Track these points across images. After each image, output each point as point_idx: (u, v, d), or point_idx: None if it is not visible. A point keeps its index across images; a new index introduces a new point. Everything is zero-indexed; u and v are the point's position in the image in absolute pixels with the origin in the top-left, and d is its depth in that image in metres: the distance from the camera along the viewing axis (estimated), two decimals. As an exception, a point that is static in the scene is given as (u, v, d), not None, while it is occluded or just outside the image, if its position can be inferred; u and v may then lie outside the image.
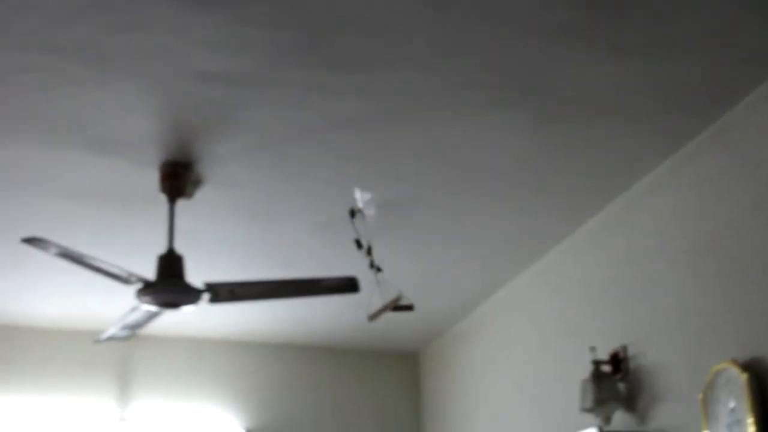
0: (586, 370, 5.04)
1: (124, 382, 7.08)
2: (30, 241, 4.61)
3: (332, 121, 4.49)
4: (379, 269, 4.98)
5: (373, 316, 5.09)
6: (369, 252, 4.84)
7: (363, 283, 4.95)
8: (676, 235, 4.75)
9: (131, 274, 4.72)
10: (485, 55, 3.97)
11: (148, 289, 4.81)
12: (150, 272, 4.85)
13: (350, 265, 5.47)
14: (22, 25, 3.80)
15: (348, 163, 4.91)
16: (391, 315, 6.66)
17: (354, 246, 4.86)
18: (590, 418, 5.01)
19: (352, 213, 4.85)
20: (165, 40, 3.89)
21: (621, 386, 5.00)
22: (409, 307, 5.15)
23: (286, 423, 7.32)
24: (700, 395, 4.34)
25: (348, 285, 4.98)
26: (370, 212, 4.81)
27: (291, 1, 3.65)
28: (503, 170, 4.96)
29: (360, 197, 4.75)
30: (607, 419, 4.97)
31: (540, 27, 3.75)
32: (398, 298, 5.04)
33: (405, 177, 5.03)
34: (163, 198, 4.93)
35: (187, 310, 4.99)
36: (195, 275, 4.91)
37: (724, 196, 4.42)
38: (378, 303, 5.04)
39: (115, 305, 5.55)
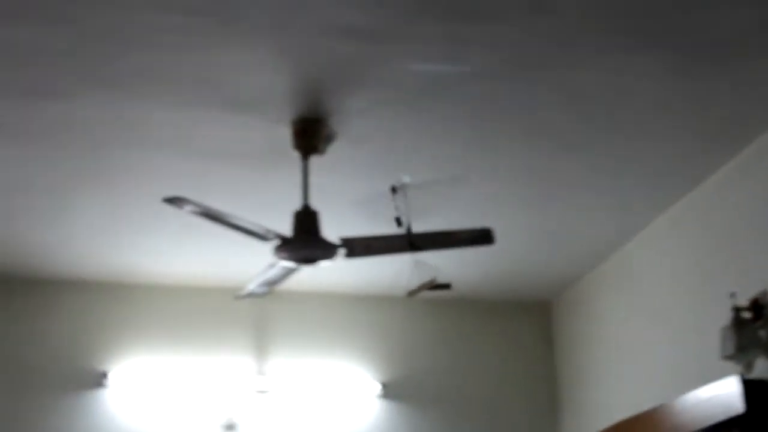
0: (726, 317, 5.01)
1: (261, 337, 7.17)
2: (171, 200, 4.71)
3: (467, 73, 4.50)
4: (417, 248, 5.09)
5: (412, 293, 5.36)
6: (409, 231, 4.88)
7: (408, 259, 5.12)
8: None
9: (268, 231, 4.80)
10: None
11: (285, 246, 4.88)
12: (286, 229, 4.92)
13: (480, 219, 5.53)
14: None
15: (484, 115, 4.91)
16: (523, 265, 6.73)
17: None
18: (731, 366, 5.00)
19: (393, 189, 5.01)
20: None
21: (763, 333, 4.97)
22: (446, 286, 5.32)
23: (419, 376, 7.34)
24: None
25: (483, 236, 5.01)
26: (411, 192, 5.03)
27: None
28: (640, 116, 4.93)
29: (403, 180, 4.95)
30: (749, 366, 4.94)
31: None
32: (434, 279, 5.23)
33: (542, 127, 5.02)
34: (296, 154, 4.99)
35: (323, 265, 5.05)
36: (330, 230, 4.98)
37: None
38: (416, 280, 5.26)
39: (253, 262, 5.61)
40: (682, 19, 4.12)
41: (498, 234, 5.08)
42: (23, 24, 4.09)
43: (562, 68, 4.49)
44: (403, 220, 4.85)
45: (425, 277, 5.19)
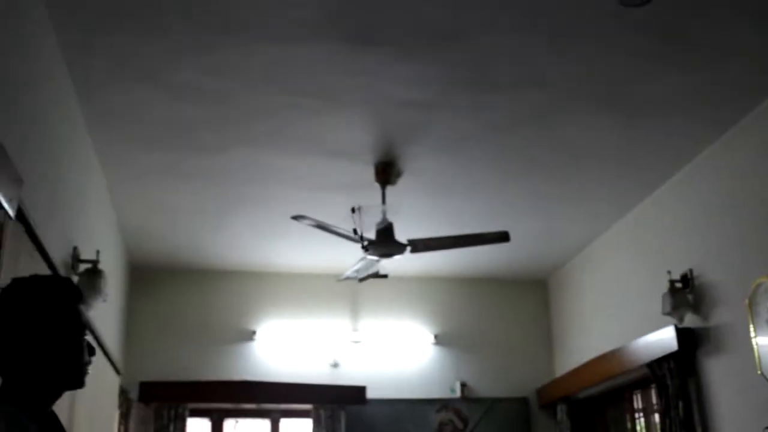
0: (664, 286, 5.04)
1: (354, 306, 7.23)
2: (295, 217, 4.79)
3: (488, 127, 4.52)
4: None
5: (362, 279, 5.52)
6: (362, 238, 4.82)
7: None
8: (726, 193, 4.70)
9: (359, 236, 4.88)
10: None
11: (371, 246, 4.93)
12: (371, 234, 4.98)
13: (499, 224, 5.54)
14: (285, 77, 3.98)
15: (502, 156, 4.91)
16: (526, 254, 6.70)
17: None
18: (669, 319, 5.01)
19: (353, 210, 4.95)
20: (376, 81, 4.01)
21: (690, 297, 4.96)
22: (384, 276, 5.49)
23: (459, 329, 7.34)
24: (746, 301, 4.31)
25: (502, 237, 5.01)
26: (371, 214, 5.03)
27: (456, 50, 3.75)
28: (603, 153, 4.91)
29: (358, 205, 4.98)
30: (681, 319, 4.95)
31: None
32: (377, 272, 5.39)
33: (536, 161, 4.99)
34: (377, 185, 5.04)
35: (396, 258, 5.10)
36: (400, 234, 5.01)
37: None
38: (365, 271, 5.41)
39: (348, 257, 5.66)
40: (627, 89, 4.13)
41: (510, 233, 5.08)
42: (195, 103, 4.18)
43: (552, 123, 4.50)
44: (359, 232, 4.82)
45: (373, 270, 5.36)
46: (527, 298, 7.59)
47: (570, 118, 4.45)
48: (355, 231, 4.80)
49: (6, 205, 2.39)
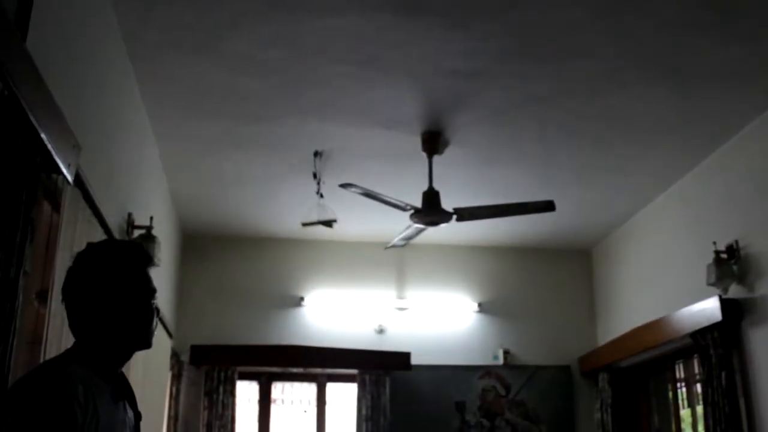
0: (710, 257, 4.96)
1: (400, 274, 7.22)
2: (344, 185, 4.80)
3: (535, 98, 4.47)
4: (321, 196, 5.24)
5: (306, 224, 5.31)
6: (318, 183, 4.89)
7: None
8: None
9: (407, 204, 4.84)
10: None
11: (417, 214, 4.93)
12: (418, 202, 4.97)
13: (544, 194, 5.49)
14: (335, 48, 3.97)
15: (546, 126, 4.85)
16: (572, 224, 6.63)
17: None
18: (713, 289, 4.94)
19: (315, 153, 4.94)
20: (424, 52, 3.98)
21: (735, 267, 4.89)
22: (332, 222, 5.31)
23: (503, 297, 7.30)
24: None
25: (547, 206, 4.95)
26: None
27: (501, 22, 3.70)
28: (649, 125, 4.83)
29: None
30: (725, 290, 4.89)
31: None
32: (328, 219, 5.25)
33: (584, 131, 4.93)
34: (423, 155, 5.01)
35: (442, 226, 5.10)
36: (446, 203, 5.00)
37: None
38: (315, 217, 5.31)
39: (394, 225, 5.65)
40: (675, 60, 4.05)
41: (555, 203, 5.03)
42: (248, 74, 4.18)
43: (599, 94, 4.43)
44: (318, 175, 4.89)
45: (323, 216, 5.24)
46: (571, 267, 7.52)
47: (617, 90, 4.37)
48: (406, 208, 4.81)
49: (65, 171, 2.42)
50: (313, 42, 3.89)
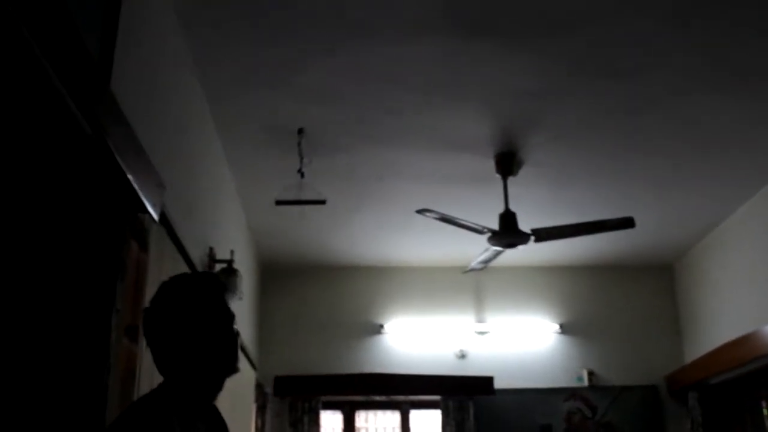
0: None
1: (479, 297, 7.16)
2: (420, 211, 4.79)
3: (608, 114, 4.40)
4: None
5: (280, 203, 4.60)
6: (301, 161, 4.41)
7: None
8: None
9: (484, 227, 4.81)
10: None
11: (495, 236, 4.89)
12: (494, 224, 4.93)
13: (621, 211, 5.40)
14: (405, 75, 3.98)
15: (622, 142, 4.77)
16: (652, 239, 6.48)
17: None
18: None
19: (300, 131, 4.36)
20: (494, 73, 3.96)
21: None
22: (321, 202, 4.60)
23: (582, 319, 7.18)
24: None
25: (626, 223, 4.88)
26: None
27: (570, 39, 3.66)
28: (729, 134, 4.70)
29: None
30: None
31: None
32: (316, 199, 4.57)
33: (660, 145, 4.82)
34: (498, 177, 4.98)
35: (519, 247, 5.04)
36: (523, 224, 4.95)
37: None
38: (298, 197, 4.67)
39: (471, 248, 5.62)
40: (749, 69, 3.94)
41: (634, 219, 4.93)
42: (320, 104, 4.20)
43: (673, 106, 4.34)
44: (303, 155, 4.37)
45: (309, 196, 4.59)
46: (652, 283, 7.37)
47: (691, 101, 4.27)
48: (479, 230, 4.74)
49: (151, 210, 2.45)
50: (383, 71, 3.90)
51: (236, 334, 2.02)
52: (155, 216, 2.52)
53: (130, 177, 2.19)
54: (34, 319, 2.00)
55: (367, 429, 7.06)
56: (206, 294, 1.99)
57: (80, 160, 2.07)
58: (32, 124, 1.87)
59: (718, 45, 3.74)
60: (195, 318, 1.93)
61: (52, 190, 2.06)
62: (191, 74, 3.80)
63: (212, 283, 2.05)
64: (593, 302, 7.28)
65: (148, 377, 2.54)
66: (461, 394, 6.68)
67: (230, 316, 2.01)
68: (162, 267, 2.94)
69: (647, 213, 5.84)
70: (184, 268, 3.36)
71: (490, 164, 4.95)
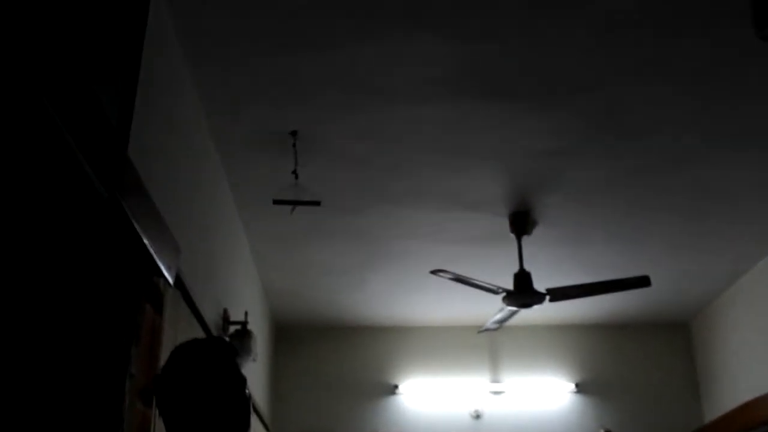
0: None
1: (494, 357, 7.08)
2: (434, 271, 4.77)
3: (623, 173, 4.38)
4: (297, 177, 4.25)
5: (278, 202, 4.16)
6: (296, 165, 3.97)
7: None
8: None
9: (498, 287, 4.78)
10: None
11: (510, 297, 4.85)
12: (509, 284, 4.89)
13: (637, 268, 5.36)
14: (421, 136, 4.00)
15: (637, 201, 4.75)
16: (664, 296, 6.40)
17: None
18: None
19: (294, 133, 3.91)
20: (509, 134, 3.96)
21: None
22: (316, 203, 4.13)
23: (599, 378, 7.07)
24: None
25: (642, 282, 4.83)
26: None
27: (586, 100, 3.67)
28: (745, 192, 4.68)
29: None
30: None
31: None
32: (311, 200, 4.11)
33: (674, 203, 4.80)
34: (512, 237, 4.96)
35: (535, 308, 5.01)
36: (538, 283, 4.92)
37: None
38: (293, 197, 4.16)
39: (486, 308, 5.59)
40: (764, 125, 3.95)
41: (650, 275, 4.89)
42: (336, 166, 4.23)
43: (688, 165, 4.32)
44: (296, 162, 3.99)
45: (303, 197, 4.13)
46: (669, 341, 7.27)
47: (706, 159, 4.25)
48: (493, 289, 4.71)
49: (166, 274, 2.45)
50: (399, 131, 3.92)
51: (248, 399, 2.01)
52: (171, 280, 2.52)
53: (146, 241, 2.19)
54: (49, 383, 1.99)
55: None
56: (217, 360, 1.98)
57: (97, 225, 2.07)
58: (51, 190, 1.87)
59: (734, 106, 3.74)
60: (206, 385, 1.92)
61: (68, 254, 2.06)
62: (206, 136, 3.82)
63: (223, 348, 2.05)
64: (609, 361, 7.19)
65: (162, 442, 2.51)
66: (477, 455, 6.58)
67: (242, 381, 2.00)
68: (177, 330, 2.93)
69: (663, 270, 5.80)
70: (198, 331, 3.34)
71: (505, 224, 4.93)
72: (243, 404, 1.98)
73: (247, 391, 2.01)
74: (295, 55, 3.28)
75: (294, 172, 4.00)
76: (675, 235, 5.28)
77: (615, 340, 7.25)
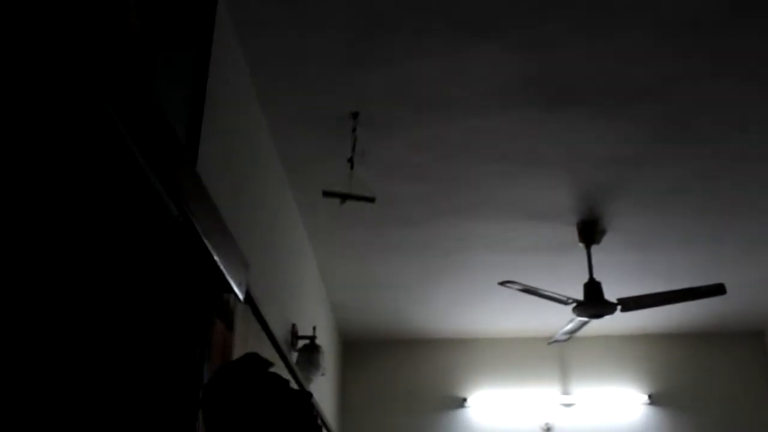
0: None
1: (564, 369, 6.98)
2: (503, 283, 4.71)
3: (692, 178, 4.27)
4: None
5: (328, 194, 3.76)
6: (353, 149, 3.68)
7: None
8: None
9: (568, 298, 4.70)
10: None
11: (580, 307, 4.77)
12: (578, 295, 4.81)
13: (710, 275, 5.22)
14: (484, 146, 3.95)
15: (708, 206, 4.61)
16: (740, 303, 6.22)
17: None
18: None
19: (354, 115, 3.58)
20: (573, 142, 3.91)
21: None
22: (371, 199, 3.73)
23: (672, 389, 6.88)
24: None
25: (718, 289, 4.69)
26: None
27: (651, 104, 3.59)
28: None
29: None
30: None
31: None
32: (363, 194, 3.72)
33: (746, 208, 4.68)
34: (581, 246, 4.88)
35: (606, 317, 4.91)
36: (608, 292, 4.82)
37: None
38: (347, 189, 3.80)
39: (555, 318, 5.51)
40: None
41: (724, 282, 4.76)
42: (400, 179, 4.20)
43: (760, 165, 4.19)
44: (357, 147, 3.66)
45: (358, 191, 3.75)
46: (744, 350, 7.05)
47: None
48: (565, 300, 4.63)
49: (236, 290, 2.44)
50: (463, 143, 3.88)
51: (311, 412, 1.94)
52: (241, 296, 2.51)
53: (216, 258, 2.19)
54: (123, 402, 1.99)
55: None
56: (259, 373, 1.93)
57: (169, 243, 2.07)
58: (121, 208, 1.88)
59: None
60: (253, 397, 1.87)
61: (140, 273, 2.07)
62: (271, 151, 3.83)
63: (261, 363, 1.99)
64: (683, 371, 7.01)
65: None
66: (549, 469, 6.48)
67: (307, 394, 1.94)
68: (247, 346, 2.92)
69: (737, 277, 5.63)
70: (268, 346, 3.34)
71: (573, 233, 4.85)
72: (298, 417, 1.92)
73: (312, 402, 1.96)
74: (359, 72, 3.27)
75: (350, 159, 3.69)
76: (748, 239, 5.13)
77: (688, 349, 7.07)
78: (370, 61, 3.21)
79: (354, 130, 3.66)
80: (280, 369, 3.72)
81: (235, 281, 2.40)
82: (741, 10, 2.96)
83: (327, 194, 3.76)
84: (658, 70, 3.34)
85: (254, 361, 2.01)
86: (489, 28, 3.03)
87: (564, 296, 4.69)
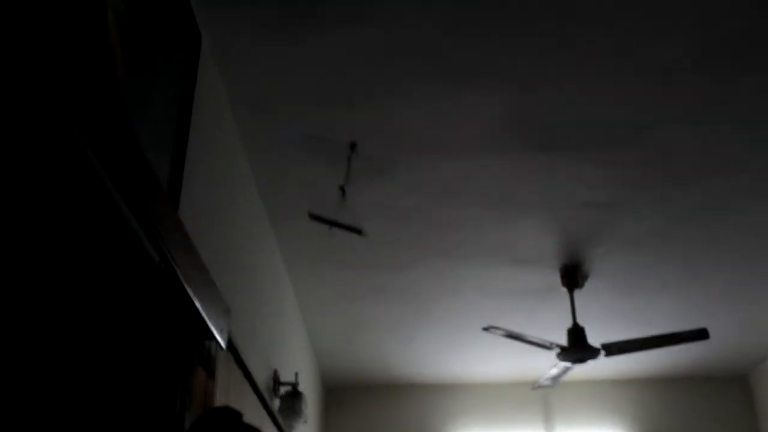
0: None
1: (548, 413, 6.93)
2: (486, 328, 4.68)
3: (675, 222, 4.27)
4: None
5: (315, 218, 3.65)
6: (345, 182, 3.65)
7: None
8: None
9: (552, 343, 4.67)
10: (783, 164, 3.71)
11: (564, 352, 4.74)
12: (561, 339, 4.79)
13: (693, 319, 5.20)
14: (468, 190, 3.95)
15: (691, 249, 4.62)
16: (722, 347, 6.21)
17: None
18: None
19: (352, 145, 3.46)
20: (557, 186, 3.90)
21: None
22: (358, 231, 3.59)
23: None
24: None
25: (700, 335, 4.68)
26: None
27: (635, 147, 3.59)
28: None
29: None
30: None
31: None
32: (353, 226, 3.60)
33: (723, 256, 4.69)
34: (564, 290, 4.87)
35: (589, 362, 4.88)
36: (591, 336, 4.81)
37: None
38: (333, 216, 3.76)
39: (538, 363, 5.47)
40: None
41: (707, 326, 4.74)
42: (385, 222, 4.19)
43: (743, 208, 4.19)
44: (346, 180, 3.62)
45: (346, 220, 3.72)
46: (728, 394, 7.05)
47: (759, 203, 4.14)
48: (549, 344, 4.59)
49: (218, 336, 2.40)
50: (447, 186, 3.87)
51: None
52: (223, 344, 2.46)
53: (197, 305, 2.15)
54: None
55: None
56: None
57: (149, 289, 2.04)
58: (102, 256, 1.85)
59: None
60: None
61: (119, 319, 2.03)
62: (254, 195, 3.81)
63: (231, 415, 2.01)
64: (667, 416, 6.98)
65: None
66: None
67: None
68: (229, 393, 2.87)
69: (720, 321, 5.64)
70: (249, 393, 3.28)
71: (556, 277, 4.84)
72: None
73: None
74: (348, 112, 3.26)
75: (342, 188, 3.63)
76: (732, 284, 5.13)
77: (673, 393, 7.05)
78: (359, 101, 3.21)
79: (349, 158, 3.57)
80: (261, 417, 3.66)
81: (216, 328, 2.35)
82: (718, 56, 2.98)
83: (314, 218, 3.65)
84: (639, 115, 3.34)
85: (226, 413, 2.01)
86: (470, 73, 3.04)
87: (548, 341, 4.66)
